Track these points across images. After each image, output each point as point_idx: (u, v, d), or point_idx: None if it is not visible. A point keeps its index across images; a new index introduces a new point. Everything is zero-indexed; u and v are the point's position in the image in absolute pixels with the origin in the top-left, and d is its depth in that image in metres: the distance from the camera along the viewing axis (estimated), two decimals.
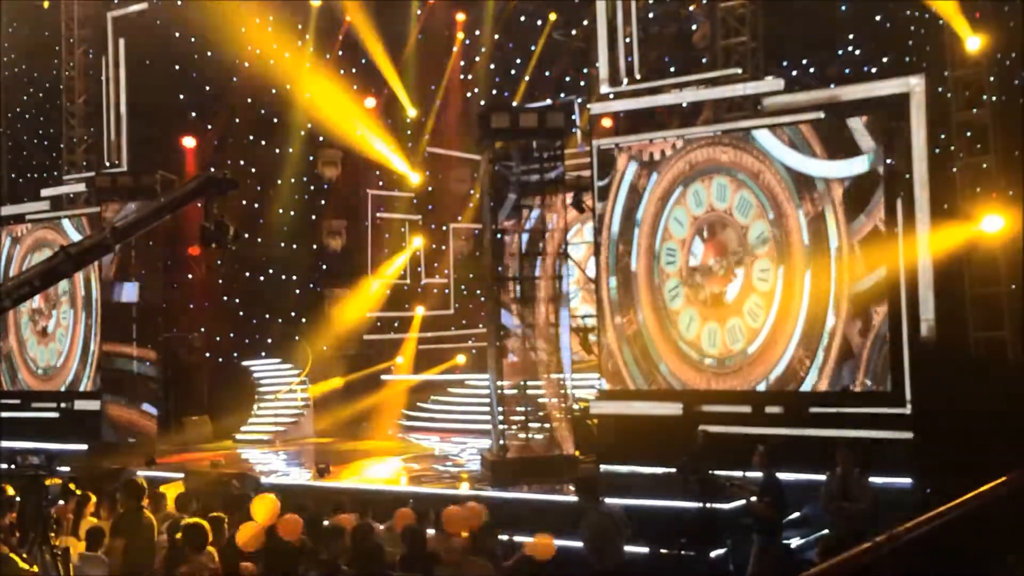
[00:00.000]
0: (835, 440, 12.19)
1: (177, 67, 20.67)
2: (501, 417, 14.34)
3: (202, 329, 20.98)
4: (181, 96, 20.73)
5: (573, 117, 20.54)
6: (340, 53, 22.37)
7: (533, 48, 22.16)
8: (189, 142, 20.27)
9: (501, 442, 14.28)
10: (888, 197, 13.31)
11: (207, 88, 20.99)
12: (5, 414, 18.83)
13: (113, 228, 8.37)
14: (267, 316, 22.19)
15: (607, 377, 15.54)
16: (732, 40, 15.17)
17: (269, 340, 22.02)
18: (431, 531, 8.89)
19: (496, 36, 22.55)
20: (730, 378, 14.51)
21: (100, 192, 18.92)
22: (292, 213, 22.59)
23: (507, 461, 14.10)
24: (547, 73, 22.19)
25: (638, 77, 16.05)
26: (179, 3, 20.41)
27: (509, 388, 14.47)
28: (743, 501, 10.50)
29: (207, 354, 20.88)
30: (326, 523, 9.05)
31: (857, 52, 16.87)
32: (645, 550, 10.11)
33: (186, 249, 19.65)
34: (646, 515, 11.59)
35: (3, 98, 22.09)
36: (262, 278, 22.06)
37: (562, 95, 21.50)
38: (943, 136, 14.49)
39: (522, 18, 22.29)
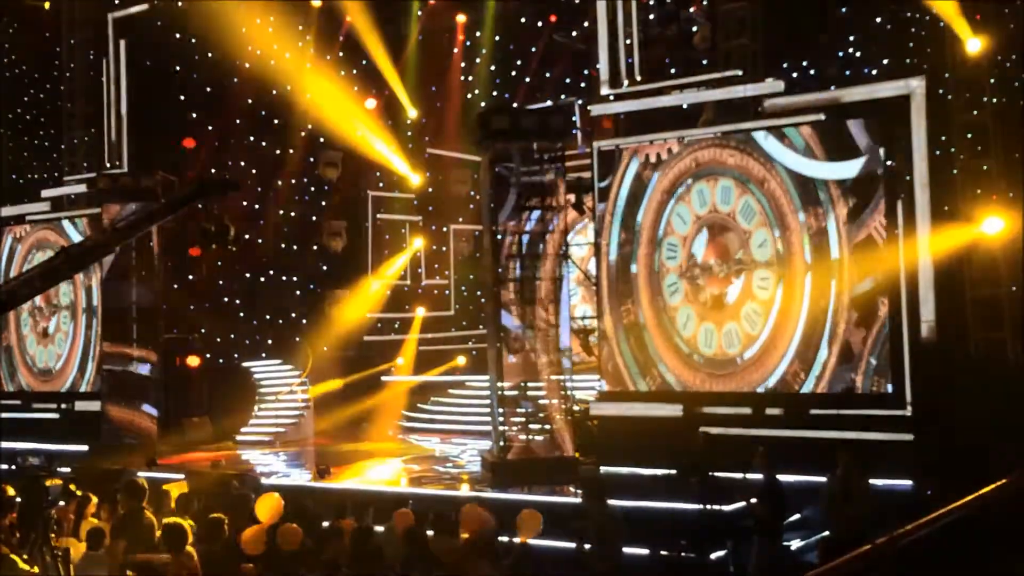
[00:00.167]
0: (835, 442, 12.22)
1: (178, 68, 20.67)
2: (501, 418, 14.33)
3: (203, 330, 20.97)
4: (182, 97, 20.72)
5: (573, 118, 20.54)
6: (341, 54, 22.37)
7: (534, 49, 22.17)
8: (190, 143, 20.26)
9: (501, 443, 14.27)
10: (889, 199, 13.31)
11: (208, 89, 20.98)
12: (6, 415, 18.83)
13: (114, 229, 8.39)
14: (267, 317, 22.19)
15: (607, 378, 15.54)
16: (732, 42, 15.17)
17: (269, 341, 22.02)
18: (430, 532, 8.91)
19: (497, 37, 22.55)
20: (727, 380, 14.52)
21: (101, 193, 18.91)
22: (292, 214, 22.60)
23: (507, 462, 14.10)
24: (547, 74, 22.19)
25: (638, 79, 16.06)
26: (180, 4, 20.41)
27: (509, 389, 14.46)
28: (743, 503, 10.52)
29: (207, 355, 20.86)
30: (325, 524, 9.07)
31: (858, 54, 16.86)
32: (645, 551, 10.11)
33: (187, 250, 19.63)
34: (646, 517, 11.61)
35: (4, 99, 22.12)
36: (262, 279, 22.06)
37: (562, 96, 21.50)
38: (943, 138, 14.50)
39: (522, 19, 22.29)
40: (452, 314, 23.19)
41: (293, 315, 22.44)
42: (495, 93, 22.97)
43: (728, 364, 14.51)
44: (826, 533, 10.46)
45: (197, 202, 11.10)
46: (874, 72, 16.16)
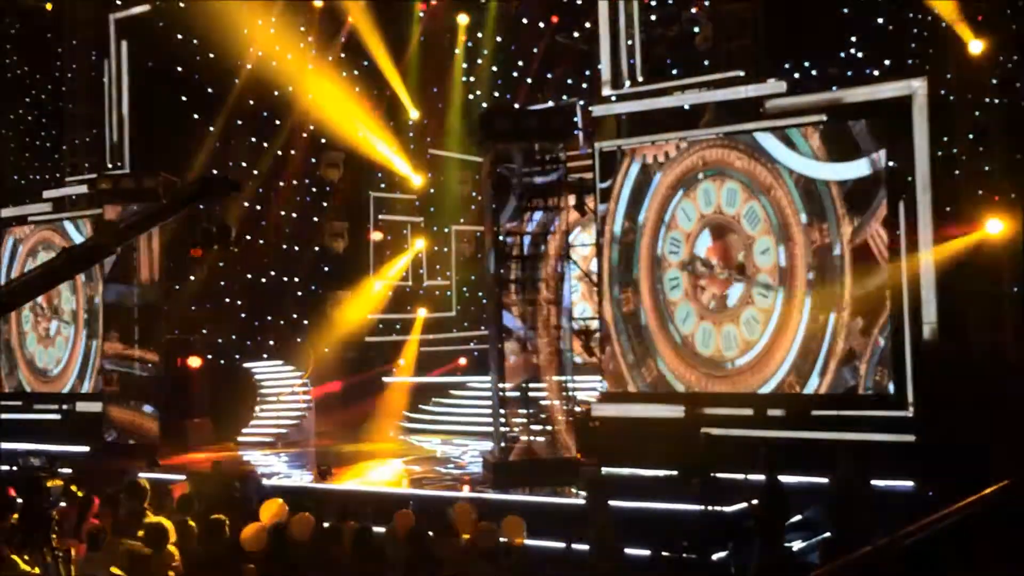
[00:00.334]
0: (837, 443, 12.24)
1: (179, 69, 20.67)
2: (503, 419, 14.33)
3: (204, 331, 20.98)
4: (183, 98, 20.72)
5: (575, 119, 20.54)
6: (342, 55, 22.38)
7: (535, 50, 22.16)
8: (191, 144, 20.26)
9: (503, 444, 14.27)
10: (890, 200, 13.31)
11: (209, 90, 20.98)
12: (7, 416, 18.83)
13: (115, 230, 8.38)
14: (269, 318, 22.19)
15: (609, 379, 15.53)
16: (734, 42, 15.16)
17: (271, 342, 22.03)
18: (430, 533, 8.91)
19: (498, 38, 22.56)
20: (723, 381, 14.52)
21: (102, 194, 18.90)
22: (294, 215, 22.60)
23: (509, 463, 14.09)
24: (549, 75, 22.19)
25: (640, 79, 16.05)
26: (181, 5, 20.41)
27: (511, 390, 14.45)
28: (745, 504, 10.51)
29: (209, 356, 20.87)
30: (326, 524, 9.07)
31: (859, 55, 16.84)
32: (647, 552, 10.10)
33: (188, 251, 19.61)
34: (648, 517, 11.61)
35: (6, 100, 22.14)
36: (264, 280, 22.06)
37: (564, 97, 21.50)
38: (945, 139, 14.48)
39: (524, 20, 22.29)
40: (453, 315, 23.18)
41: (294, 316, 22.45)
42: (496, 94, 22.98)
43: (725, 366, 14.51)
44: (828, 534, 10.46)
45: (198, 203, 11.10)
46: (876, 73, 16.14)
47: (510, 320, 14.59)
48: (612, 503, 10.24)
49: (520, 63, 22.57)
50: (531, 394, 14.64)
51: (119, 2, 19.80)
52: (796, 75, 16.57)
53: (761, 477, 10.40)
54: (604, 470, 14.37)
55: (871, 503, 10.26)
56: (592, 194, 15.97)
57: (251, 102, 21.37)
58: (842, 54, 16.96)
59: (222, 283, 21.29)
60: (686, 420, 14.32)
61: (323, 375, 21.48)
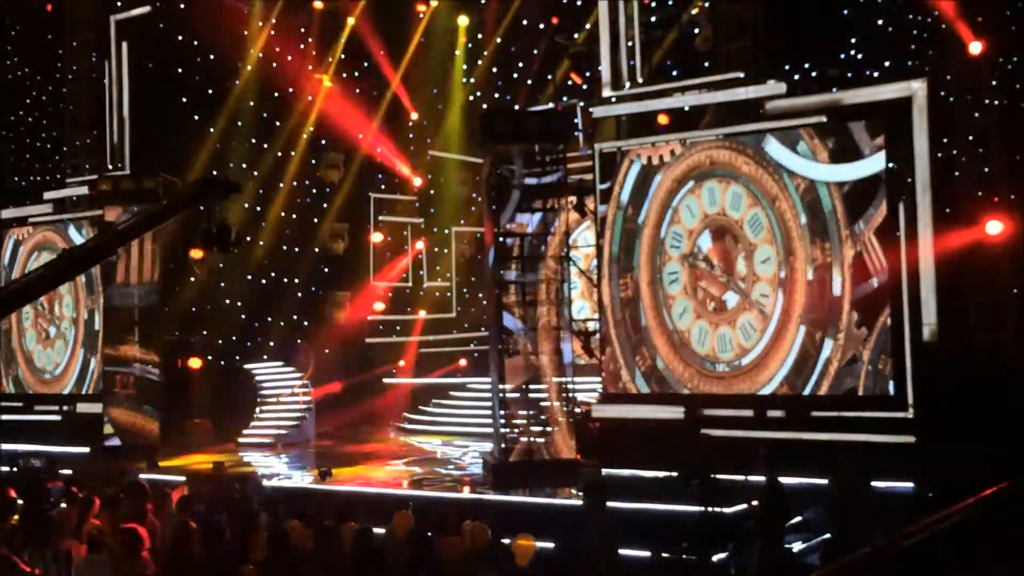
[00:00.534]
0: (837, 444, 12.24)
1: (180, 70, 20.69)
2: (503, 420, 14.33)
3: (204, 332, 20.98)
4: (183, 99, 20.74)
5: (575, 120, 20.55)
6: (342, 56, 22.40)
7: (535, 52, 22.18)
8: (192, 145, 20.28)
9: (503, 445, 14.27)
10: (890, 201, 13.31)
11: (209, 91, 21.00)
12: (7, 417, 18.83)
13: (116, 231, 8.39)
14: (269, 319, 22.20)
15: (609, 380, 15.53)
16: (734, 44, 15.16)
17: (271, 343, 22.03)
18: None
19: (498, 40, 22.57)
20: (717, 381, 14.53)
21: (103, 195, 18.93)
22: (294, 216, 22.62)
23: (509, 464, 14.09)
24: (549, 76, 22.21)
25: (640, 81, 16.06)
26: (182, 6, 20.43)
27: (511, 391, 14.46)
28: (745, 505, 10.52)
29: (209, 357, 20.88)
30: (326, 523, 9.08)
31: (859, 56, 16.82)
32: (647, 554, 10.11)
33: (188, 252, 19.66)
34: (648, 519, 11.62)
35: (6, 101, 22.15)
36: (264, 281, 22.07)
37: (564, 98, 21.51)
38: (945, 140, 14.46)
39: (524, 22, 22.30)
40: (453, 316, 23.19)
41: (294, 317, 22.46)
42: (497, 95, 22.99)
43: (717, 367, 14.54)
44: (828, 535, 10.46)
45: (199, 204, 11.11)
46: (876, 74, 16.12)
47: (510, 321, 14.59)
48: (614, 504, 10.25)
49: (520, 64, 22.58)
50: (531, 395, 14.66)
51: (120, 3, 19.81)
52: (796, 76, 16.54)
53: (761, 478, 10.42)
54: (604, 471, 14.42)
55: (871, 504, 10.26)
56: (592, 195, 15.97)
57: (251, 103, 21.39)
58: (842, 55, 16.93)
59: (222, 284, 21.30)
60: (686, 421, 14.31)
61: (323, 376, 21.49)
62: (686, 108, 15.71)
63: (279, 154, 22.09)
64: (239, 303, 21.67)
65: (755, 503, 10.12)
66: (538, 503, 13.07)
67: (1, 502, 9.15)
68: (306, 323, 22.46)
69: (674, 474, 11.63)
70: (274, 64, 21.42)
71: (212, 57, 20.81)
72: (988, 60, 13.96)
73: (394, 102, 22.84)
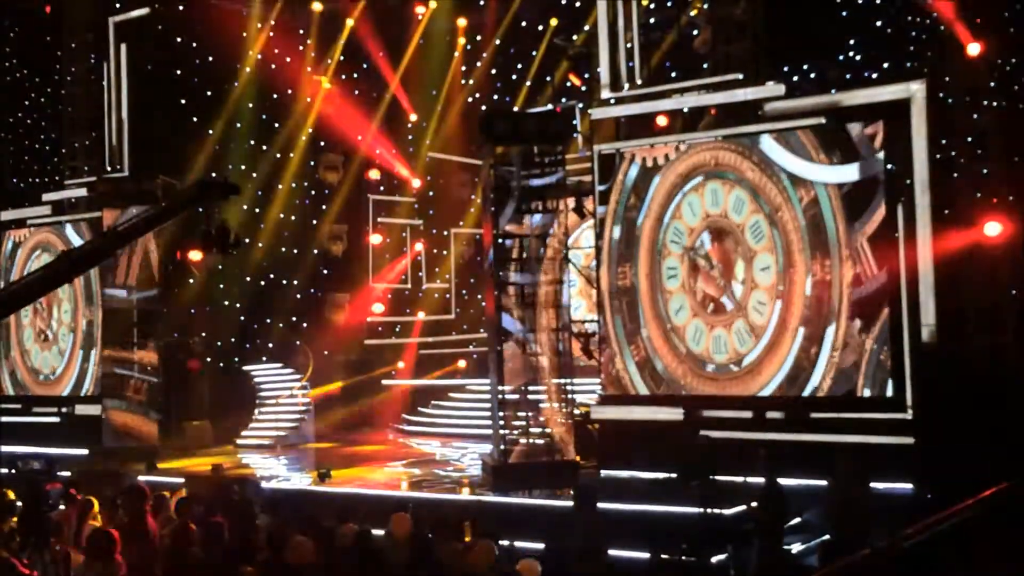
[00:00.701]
0: (836, 445, 12.24)
1: (178, 72, 20.69)
2: (502, 422, 14.33)
3: (203, 334, 20.98)
4: (182, 101, 20.74)
5: (574, 122, 20.56)
6: (341, 58, 22.41)
7: (534, 53, 22.19)
8: (190, 147, 20.28)
9: (502, 447, 14.27)
10: (889, 202, 13.30)
11: (208, 93, 21.00)
12: (6, 419, 18.83)
13: (114, 233, 8.38)
14: (268, 321, 22.19)
15: (608, 382, 15.53)
16: (733, 45, 15.16)
17: (270, 345, 22.03)
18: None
19: (497, 41, 22.58)
20: (711, 381, 14.52)
21: (102, 197, 18.93)
22: (293, 218, 22.62)
23: (508, 466, 14.09)
24: (548, 78, 22.22)
25: (639, 82, 16.06)
26: (181, 8, 20.43)
27: (510, 393, 14.46)
28: (744, 506, 10.52)
29: (208, 359, 20.87)
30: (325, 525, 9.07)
31: (858, 57, 16.85)
32: (646, 555, 10.11)
33: (187, 253, 19.65)
34: (647, 520, 11.62)
35: (5, 103, 22.14)
36: (263, 283, 22.07)
37: (563, 100, 21.52)
38: (944, 141, 14.48)
39: (523, 23, 22.32)
40: (453, 318, 23.19)
41: (293, 319, 22.46)
42: (496, 96, 23.00)
43: (708, 367, 14.54)
44: (827, 536, 10.47)
45: (198, 205, 11.11)
46: (874, 76, 16.15)
47: (509, 323, 14.59)
48: (613, 506, 10.25)
49: (519, 66, 22.59)
50: (530, 397, 14.66)
51: (118, 5, 19.81)
52: (795, 78, 16.58)
53: (760, 480, 10.42)
54: (603, 473, 14.42)
55: (870, 505, 10.27)
56: (591, 196, 15.97)
57: (250, 105, 21.39)
58: (841, 57, 16.97)
59: (221, 286, 21.29)
60: (685, 423, 14.31)
61: (322, 378, 21.49)
62: (685, 110, 15.71)
63: (278, 155, 22.10)
64: (238, 305, 21.67)
65: (754, 504, 10.12)
66: (537, 504, 13.05)
67: (0, 504, 9.15)
68: (305, 325, 22.45)
69: (673, 475, 11.63)
70: (273, 66, 21.42)
71: (211, 59, 20.82)
72: (987, 61, 13.98)
73: (393, 104, 22.85)
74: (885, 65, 16.24)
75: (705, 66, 16.15)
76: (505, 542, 9.15)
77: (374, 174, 22.94)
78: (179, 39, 20.55)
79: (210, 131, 20.84)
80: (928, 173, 13.13)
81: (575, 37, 21.06)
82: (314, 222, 22.90)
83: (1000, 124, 14.18)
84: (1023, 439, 11.09)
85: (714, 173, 14.63)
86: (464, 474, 15.84)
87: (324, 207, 23.03)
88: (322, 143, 22.58)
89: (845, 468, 10.47)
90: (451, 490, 14.47)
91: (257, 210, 21.58)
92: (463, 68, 23.26)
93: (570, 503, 11.13)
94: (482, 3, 22.41)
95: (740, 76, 14.83)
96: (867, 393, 13.31)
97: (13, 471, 15.12)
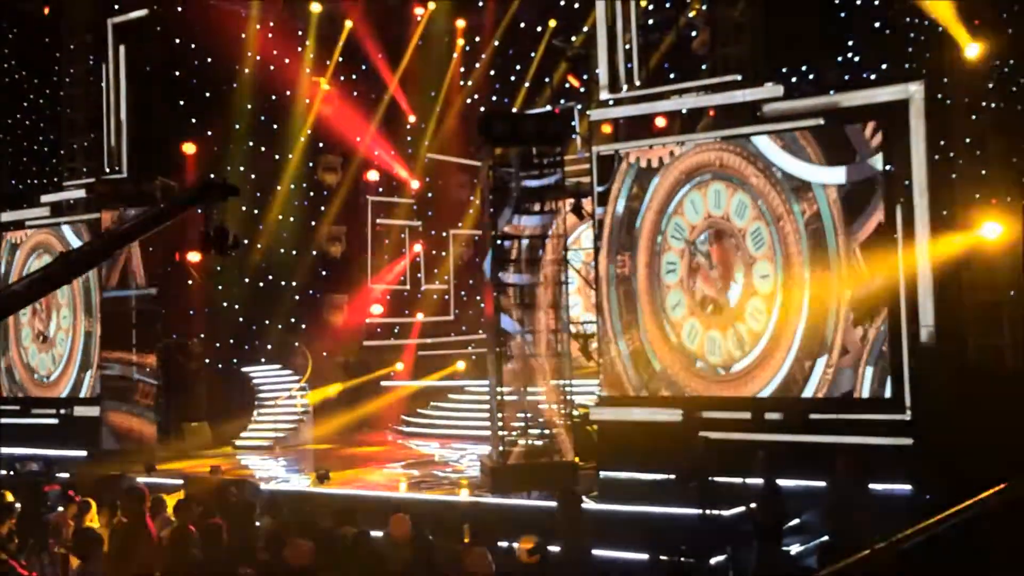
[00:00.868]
0: (835, 447, 12.23)
1: (177, 73, 20.68)
2: (501, 423, 14.33)
3: (202, 335, 20.97)
4: (181, 102, 20.73)
5: (573, 123, 20.57)
6: (340, 59, 22.41)
7: (533, 55, 22.21)
8: (189, 148, 20.27)
9: (501, 448, 14.26)
10: (887, 203, 13.30)
11: (207, 94, 20.99)
12: (4, 420, 18.82)
13: (113, 234, 8.37)
14: (267, 322, 22.18)
15: (607, 383, 15.53)
16: (731, 47, 15.17)
17: (269, 346, 22.02)
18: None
19: (496, 42, 22.60)
20: (706, 380, 14.52)
21: (100, 198, 18.92)
22: (292, 219, 22.61)
23: (507, 467, 14.08)
24: (547, 79, 22.23)
25: (637, 84, 16.07)
26: (180, 10, 20.43)
27: (509, 394, 14.46)
28: (743, 507, 10.52)
29: (206, 360, 20.86)
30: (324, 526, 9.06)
31: (856, 59, 16.87)
32: (645, 557, 10.11)
33: (186, 255, 19.65)
34: (646, 522, 11.61)
35: (3, 104, 22.14)
36: (261, 284, 22.06)
37: (562, 101, 21.53)
38: (942, 143, 14.49)
39: (522, 24, 22.33)
40: (451, 319, 23.20)
41: (292, 320, 22.45)
42: (494, 98, 23.00)
43: (700, 363, 14.55)
44: (825, 538, 10.47)
45: (196, 207, 11.09)
46: (873, 77, 16.17)
47: (508, 324, 14.60)
48: (617, 507, 10.25)
49: (518, 67, 22.61)
50: (529, 398, 14.66)
51: (117, 7, 19.80)
52: (793, 79, 16.58)
53: (759, 481, 10.41)
54: (602, 474, 14.42)
55: (868, 507, 10.26)
56: (589, 198, 15.97)
57: (249, 106, 21.39)
58: (839, 58, 16.99)
59: (219, 287, 21.28)
60: (684, 424, 14.31)
61: (321, 379, 21.48)
62: (683, 111, 15.71)
63: (277, 157, 22.09)
64: (237, 306, 21.66)
65: (753, 506, 10.11)
66: (536, 506, 13.05)
67: None
68: (304, 326, 22.44)
69: (672, 477, 11.63)
70: (272, 67, 21.42)
71: (210, 60, 20.80)
72: (985, 62, 13.98)
73: (392, 105, 22.86)
74: (883, 66, 16.25)
75: (703, 67, 16.16)
76: (504, 543, 9.14)
77: (373, 175, 22.99)
78: (178, 40, 20.53)
79: (209, 132, 20.82)
80: (926, 174, 13.14)
81: (574, 38, 21.08)
82: (313, 223, 22.89)
83: (998, 125, 14.19)
84: (1022, 440, 11.08)
85: (719, 174, 14.60)
86: (463, 475, 15.84)
87: (323, 208, 23.03)
88: (321, 144, 22.58)
89: (844, 469, 10.46)
90: (450, 491, 14.46)
91: (256, 211, 21.57)
92: (462, 69, 23.27)
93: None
94: (481, 4, 22.42)
95: (738, 77, 14.83)
96: (866, 394, 13.31)
97: (12, 473, 15.13)
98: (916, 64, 15.30)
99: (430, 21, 22.60)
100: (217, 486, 12.85)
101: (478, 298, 22.03)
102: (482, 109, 22.21)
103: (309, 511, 10.84)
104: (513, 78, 22.65)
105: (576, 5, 20.71)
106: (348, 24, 22.00)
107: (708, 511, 10.66)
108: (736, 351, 14.24)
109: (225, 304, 21.50)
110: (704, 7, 16.75)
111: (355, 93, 22.62)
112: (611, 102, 16.06)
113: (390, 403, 22.28)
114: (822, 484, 11.08)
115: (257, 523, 9.70)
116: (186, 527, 8.56)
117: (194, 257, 19.08)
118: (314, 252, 22.80)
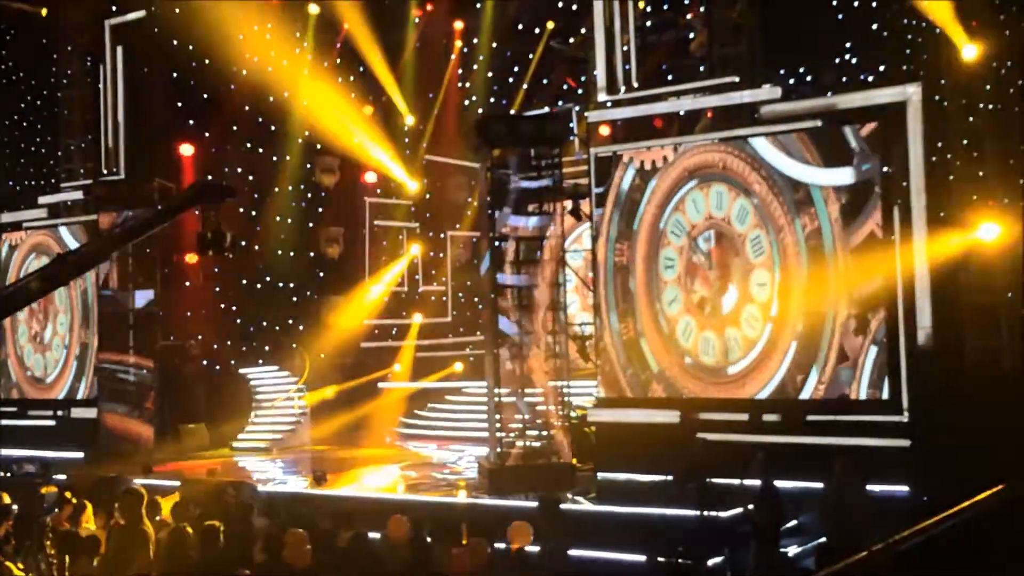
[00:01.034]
0: (832, 448, 12.24)
1: (175, 75, 20.66)
2: (498, 425, 14.32)
3: (199, 337, 20.95)
4: (179, 104, 20.71)
5: (571, 125, 20.57)
6: (338, 61, 22.39)
7: (531, 56, 22.20)
8: (187, 150, 20.26)
9: (498, 450, 14.26)
10: (885, 205, 13.31)
11: (205, 96, 20.98)
12: (1, 422, 18.80)
13: (110, 236, 8.37)
14: (264, 324, 22.16)
15: (604, 385, 15.53)
16: (729, 48, 15.17)
17: (266, 348, 22.00)
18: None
19: (494, 44, 22.60)
20: (701, 380, 14.52)
21: (98, 200, 18.94)
22: (289, 221, 22.57)
23: (504, 469, 14.08)
24: (545, 81, 22.22)
25: (635, 85, 16.07)
26: (177, 11, 20.40)
27: (507, 396, 14.45)
28: (740, 509, 10.51)
29: (204, 362, 20.84)
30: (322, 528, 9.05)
31: (854, 60, 16.89)
32: (642, 558, 10.11)
33: (183, 256, 19.63)
34: (644, 523, 11.61)
35: (1, 106, 22.13)
36: (259, 286, 22.03)
37: (560, 103, 21.53)
38: (940, 144, 14.50)
39: (520, 26, 22.33)
40: (449, 320, 23.19)
41: (290, 322, 22.42)
42: (492, 99, 23.00)
43: (689, 358, 14.55)
44: (823, 539, 10.47)
45: (194, 208, 11.12)
46: (870, 78, 16.17)
47: (506, 325, 14.60)
48: (615, 508, 10.25)
49: (516, 69, 22.61)
50: (527, 399, 14.66)
51: (114, 8, 19.79)
52: (791, 81, 16.61)
53: (757, 482, 10.41)
54: (600, 475, 14.42)
55: (866, 508, 10.26)
56: (587, 199, 15.96)
57: (247, 108, 21.37)
58: (837, 60, 17.01)
59: (217, 289, 21.27)
60: (682, 425, 14.31)
61: (318, 380, 21.46)
62: (681, 112, 15.71)
63: (274, 158, 22.07)
64: (234, 307, 21.64)
65: (751, 507, 10.11)
66: (534, 507, 13.02)
67: None
68: (301, 327, 22.41)
69: (670, 478, 11.64)
70: (269, 68, 21.40)
71: (207, 62, 20.76)
72: (982, 64, 13.99)
73: (390, 106, 22.84)
74: (881, 68, 16.26)
75: (701, 69, 16.18)
76: (501, 545, 9.14)
77: (370, 177, 22.98)
78: (175, 42, 20.50)
79: (206, 134, 20.80)
80: (924, 176, 13.15)
81: (571, 40, 21.08)
82: (310, 225, 22.88)
83: (996, 127, 14.19)
84: (1019, 441, 11.09)
85: (722, 176, 14.59)
86: (460, 477, 15.83)
87: (320, 210, 23.01)
88: (318, 146, 22.56)
89: (841, 471, 10.45)
90: (447, 493, 14.45)
91: (253, 213, 21.55)
92: (460, 71, 23.26)
93: (566, 506, 11.16)
94: (479, 6, 22.42)
95: (736, 79, 14.83)
96: (863, 396, 13.32)
97: (9, 474, 15.11)
98: (913, 66, 15.30)
99: (428, 22, 22.59)
100: (215, 488, 12.83)
101: (476, 299, 22.02)
102: (480, 111, 22.21)
103: (307, 513, 10.82)
104: (511, 80, 22.65)
105: (574, 7, 20.70)
106: (346, 25, 21.99)
107: (706, 512, 10.66)
108: (730, 355, 14.23)
109: (223, 306, 21.48)
110: (702, 8, 16.76)
111: (353, 94, 22.60)
112: (609, 103, 16.06)
113: (388, 405, 22.26)
114: (820, 485, 11.09)
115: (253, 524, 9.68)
116: (183, 529, 8.55)
117: (192, 259, 19.07)
118: (311, 254, 22.78)
